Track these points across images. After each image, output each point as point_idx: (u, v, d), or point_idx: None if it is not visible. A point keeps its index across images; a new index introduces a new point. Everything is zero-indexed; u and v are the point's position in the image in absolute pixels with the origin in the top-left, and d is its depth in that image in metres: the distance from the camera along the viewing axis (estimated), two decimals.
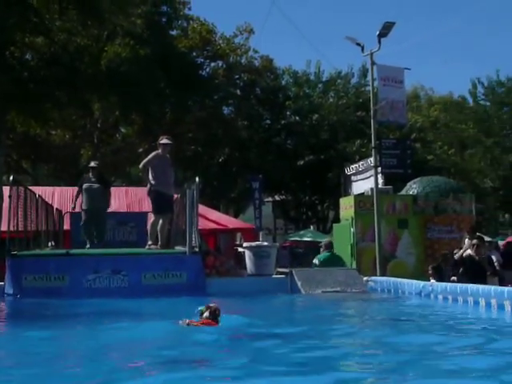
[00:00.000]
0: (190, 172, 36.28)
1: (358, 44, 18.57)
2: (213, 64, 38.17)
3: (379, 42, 17.97)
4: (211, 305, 8.11)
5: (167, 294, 12.21)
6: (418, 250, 19.43)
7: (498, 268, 14.62)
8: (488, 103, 42.83)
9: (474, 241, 13.31)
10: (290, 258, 29.09)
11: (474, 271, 12.50)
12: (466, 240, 14.13)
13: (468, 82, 44.40)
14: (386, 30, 17.71)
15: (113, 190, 18.06)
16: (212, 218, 23.83)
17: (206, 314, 7.97)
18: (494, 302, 10.02)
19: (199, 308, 8.14)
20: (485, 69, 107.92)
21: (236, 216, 41.13)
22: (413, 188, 21.05)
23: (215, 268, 15.76)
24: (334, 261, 15.94)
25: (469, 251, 13.05)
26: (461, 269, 12.81)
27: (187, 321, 7.89)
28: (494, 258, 14.54)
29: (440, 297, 11.52)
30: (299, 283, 13.73)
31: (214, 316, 7.95)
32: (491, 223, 52.26)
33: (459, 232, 19.30)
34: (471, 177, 41.15)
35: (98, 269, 12.89)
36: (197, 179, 13.23)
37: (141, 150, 34.30)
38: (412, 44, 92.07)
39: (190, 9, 35.56)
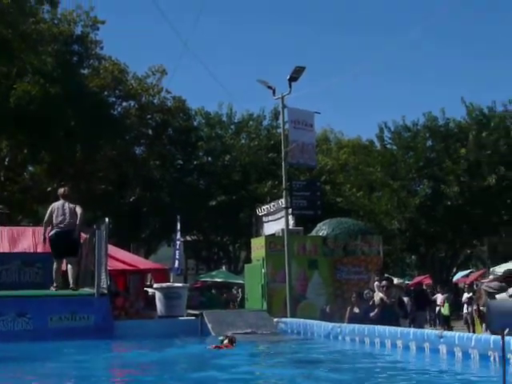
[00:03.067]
0: (100, 211, 35.77)
1: (270, 87, 18.86)
2: (125, 103, 37.97)
3: (290, 85, 18.30)
4: (229, 334, 11.88)
5: (74, 338, 11.95)
6: (327, 290, 19.59)
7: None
8: (394, 147, 43.89)
9: (383, 283, 13.50)
10: (202, 298, 28.92)
11: (385, 315, 12.64)
12: (376, 283, 14.34)
13: (375, 126, 45.50)
14: (296, 74, 18.05)
15: (19, 229, 17.65)
16: (122, 258, 23.42)
17: (226, 341, 11.36)
18: (399, 343, 10.22)
19: (220, 338, 11.66)
20: (391, 113, 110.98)
21: (147, 256, 40.70)
22: (322, 229, 21.28)
23: (124, 309, 15.56)
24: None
25: (380, 294, 13.21)
26: (375, 311, 12.92)
27: (213, 346, 11.25)
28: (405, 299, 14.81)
29: (348, 338, 11.66)
30: (210, 325, 13.67)
31: (231, 342, 11.36)
32: (398, 264, 53.34)
33: (367, 273, 19.60)
34: (379, 219, 41.93)
35: (2, 311, 12.51)
36: (106, 219, 13.09)
37: (49, 189, 33.65)
38: (323, 88, 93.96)
39: (102, 48, 35.37)
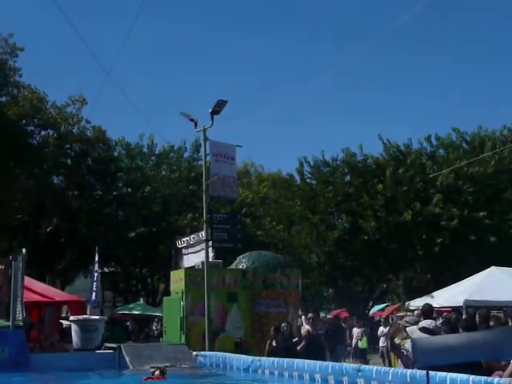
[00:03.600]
0: (15, 241, 34.99)
1: (192, 120, 18.97)
2: (43, 132, 37.37)
3: (212, 118, 18.44)
4: (160, 366, 12.40)
5: None
6: (246, 323, 19.59)
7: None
8: (314, 182, 44.41)
9: (310, 315, 13.59)
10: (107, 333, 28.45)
11: (312, 347, 12.69)
12: (303, 316, 14.38)
13: (296, 160, 45.97)
14: (218, 107, 18.22)
15: None
16: (37, 289, 22.99)
17: (157, 372, 11.88)
18: (318, 376, 10.31)
19: (151, 370, 12.08)
20: (311, 148, 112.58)
21: (63, 287, 39.91)
22: (242, 262, 21.30)
23: (39, 342, 15.23)
24: None
25: (307, 327, 13.28)
26: (302, 344, 12.95)
27: (144, 378, 11.59)
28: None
29: (267, 372, 11.68)
30: (128, 359, 13.51)
31: (162, 373, 11.87)
32: (316, 297, 53.72)
33: (286, 306, 19.72)
34: (298, 252, 42.24)
35: None
36: (23, 250, 12.83)
37: None
38: (244, 121, 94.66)
39: (20, 75, 34.83)
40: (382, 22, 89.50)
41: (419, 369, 7.72)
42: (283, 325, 14.04)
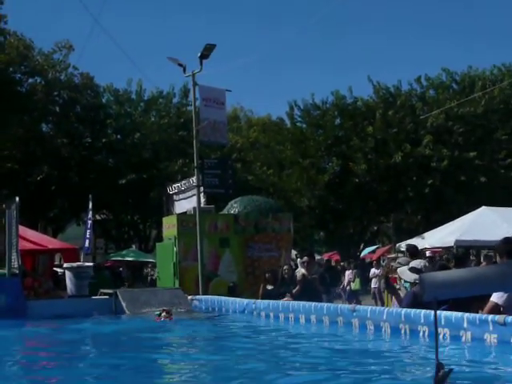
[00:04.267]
0: (6, 190, 34.92)
1: (180, 65, 18.73)
2: (31, 80, 37.05)
3: (201, 63, 18.25)
4: (165, 308, 12.96)
5: None
6: (238, 268, 19.70)
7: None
8: (304, 125, 44.39)
9: (305, 258, 13.61)
10: (112, 278, 28.65)
11: (307, 291, 12.73)
12: (298, 259, 14.38)
13: (285, 104, 45.83)
14: (207, 51, 17.99)
15: None
16: (30, 237, 23.00)
17: (164, 313, 12.57)
18: (313, 317, 10.42)
19: (156, 312, 12.72)
20: (301, 93, 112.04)
21: (55, 235, 40.02)
22: (234, 207, 21.34)
23: (33, 289, 15.31)
24: None
25: (302, 270, 13.30)
26: (296, 288, 12.96)
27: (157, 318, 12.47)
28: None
29: (263, 314, 11.81)
30: (124, 304, 13.61)
31: (169, 313, 12.60)
32: (307, 241, 54.08)
33: (278, 250, 19.84)
34: (289, 196, 42.43)
35: None
36: (17, 199, 12.81)
37: None
38: (233, 66, 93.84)
39: (6, 23, 34.33)
40: None
41: (426, 303, 7.84)
42: (285, 267, 13.89)
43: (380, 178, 41.09)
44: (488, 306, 7.12)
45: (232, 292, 16.66)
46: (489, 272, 3.32)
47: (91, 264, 21.24)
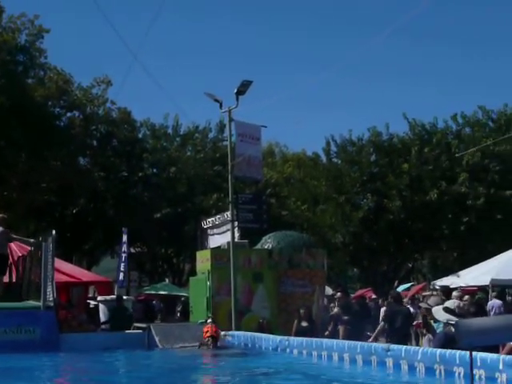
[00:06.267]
0: (44, 223, 35.28)
1: (217, 100, 18.95)
2: (69, 114, 37.55)
3: (237, 99, 18.42)
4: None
5: (19, 351, 11.78)
6: (271, 303, 19.61)
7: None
8: (340, 161, 44.39)
9: (338, 294, 13.52)
10: (146, 311, 28.74)
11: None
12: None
13: (321, 139, 45.94)
14: (243, 87, 18.18)
15: None
16: (65, 270, 23.17)
17: (211, 339, 13.43)
18: (346, 356, 10.35)
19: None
20: (338, 128, 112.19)
21: (89, 268, 40.25)
22: (268, 242, 21.29)
23: (67, 322, 15.38)
24: None
25: (335, 309, 13.20)
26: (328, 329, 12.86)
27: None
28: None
29: (295, 351, 11.74)
30: (157, 338, 13.62)
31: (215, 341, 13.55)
32: (341, 277, 53.75)
33: (311, 286, 19.74)
34: (323, 232, 42.25)
35: None
36: (53, 232, 12.94)
37: None
38: (270, 102, 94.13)
39: (46, 57, 34.95)
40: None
41: (462, 350, 7.76)
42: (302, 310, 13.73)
43: (415, 215, 40.81)
44: (507, 348, 7.04)
45: (261, 329, 16.50)
46: None
47: (125, 297, 21.30)
